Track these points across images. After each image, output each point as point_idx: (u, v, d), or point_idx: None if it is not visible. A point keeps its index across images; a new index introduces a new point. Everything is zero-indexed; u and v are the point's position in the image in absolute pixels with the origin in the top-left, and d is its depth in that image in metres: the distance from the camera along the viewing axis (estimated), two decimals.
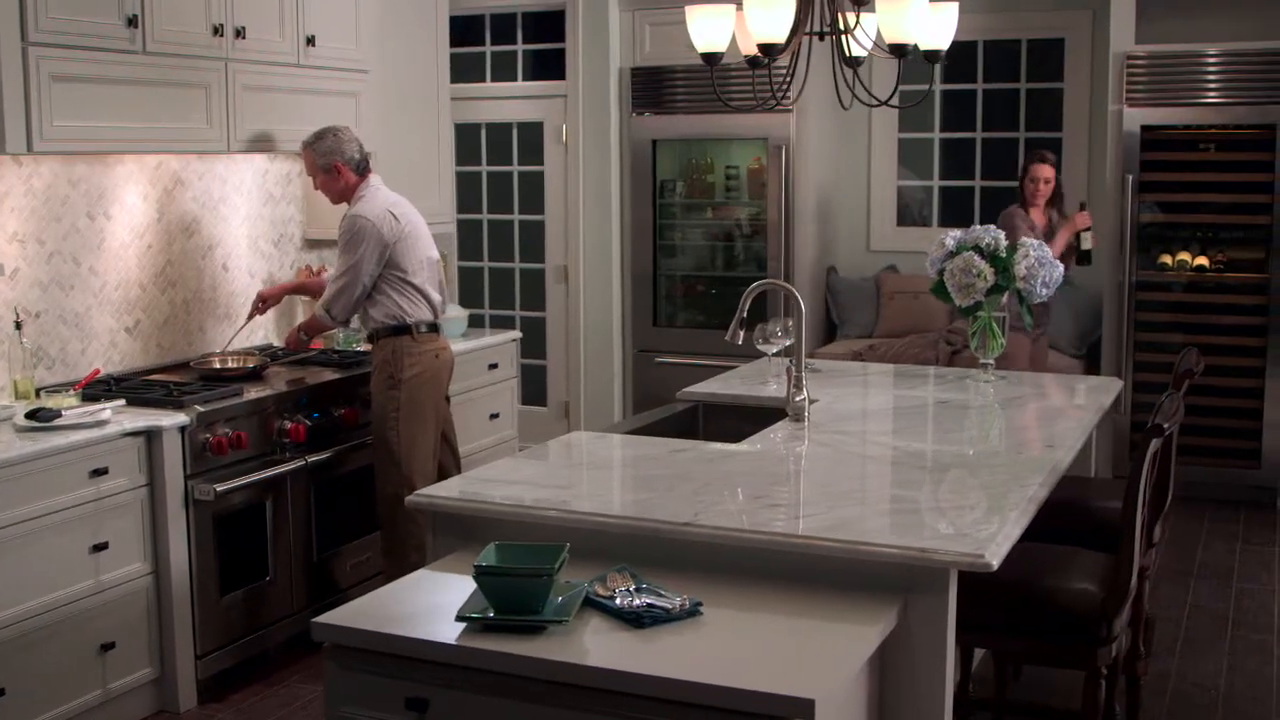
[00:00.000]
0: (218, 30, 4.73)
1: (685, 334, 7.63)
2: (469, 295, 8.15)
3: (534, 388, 8.04)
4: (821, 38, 4.03)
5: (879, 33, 3.98)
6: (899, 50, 3.86)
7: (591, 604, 2.75)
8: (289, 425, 4.72)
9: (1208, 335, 6.58)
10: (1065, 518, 3.94)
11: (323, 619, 2.73)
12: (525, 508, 3.14)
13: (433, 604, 2.79)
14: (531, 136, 7.91)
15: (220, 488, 4.39)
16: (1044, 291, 4.57)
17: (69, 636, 4.04)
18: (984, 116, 7.50)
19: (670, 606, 2.69)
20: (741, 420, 4.36)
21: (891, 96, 4.01)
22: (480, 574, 2.66)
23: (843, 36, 4.04)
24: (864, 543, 2.82)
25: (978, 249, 4.61)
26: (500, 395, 6.20)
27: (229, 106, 4.81)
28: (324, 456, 4.87)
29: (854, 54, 4.10)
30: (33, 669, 3.93)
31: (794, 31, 3.96)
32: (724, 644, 2.58)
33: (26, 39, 4.07)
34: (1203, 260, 6.66)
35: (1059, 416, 4.26)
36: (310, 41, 5.16)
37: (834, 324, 7.66)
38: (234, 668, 4.58)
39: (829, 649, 2.57)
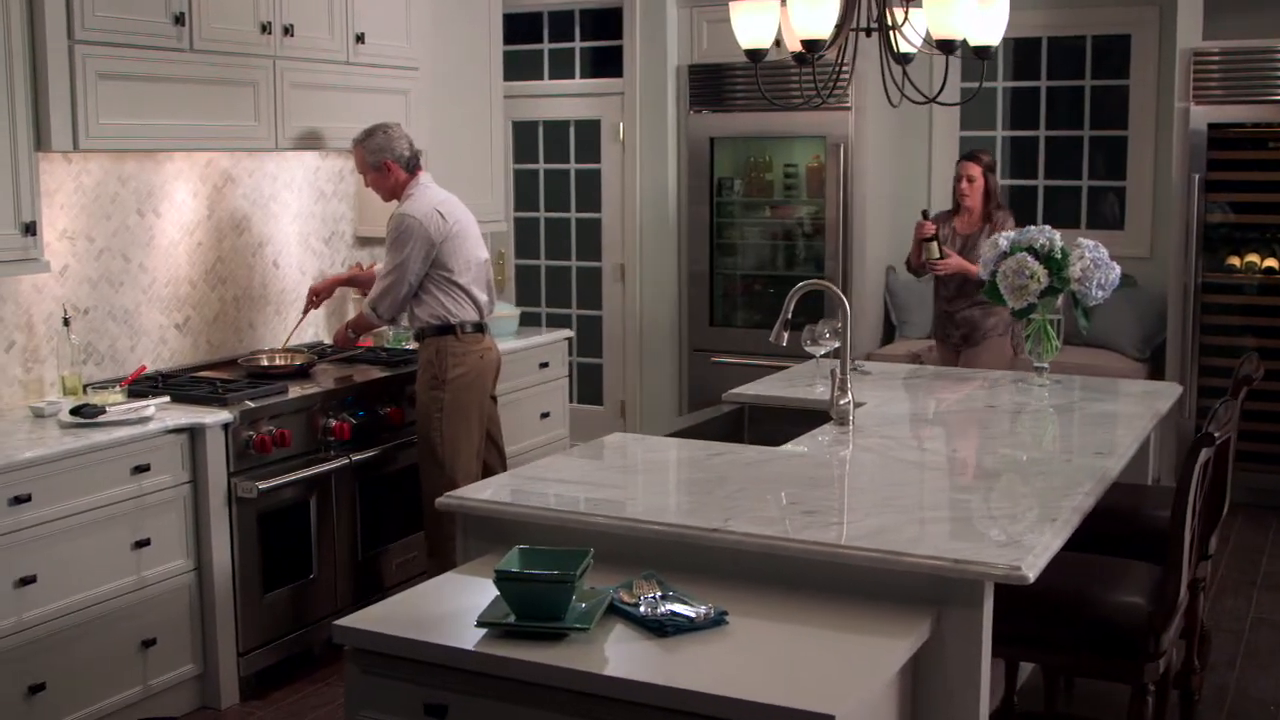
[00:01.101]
0: (265, 28, 4.73)
1: (742, 334, 7.55)
2: (526, 293, 8.14)
3: (590, 387, 8.01)
4: (869, 34, 3.95)
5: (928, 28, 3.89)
6: (947, 46, 3.77)
7: (616, 611, 2.70)
8: (334, 423, 4.71)
9: (1278, 339, 6.39)
10: (1118, 527, 3.84)
11: (343, 622, 2.71)
12: (554, 511, 3.10)
13: (456, 608, 2.75)
14: (588, 134, 7.87)
15: (263, 485, 4.39)
16: (1099, 294, 4.45)
17: (110, 632, 4.06)
18: (1048, 114, 7.35)
19: (694, 615, 2.63)
20: (788, 423, 4.28)
21: (940, 93, 3.91)
22: (501, 579, 2.62)
23: (890, 32, 3.96)
24: (895, 552, 2.75)
25: (1032, 250, 4.50)
26: (551, 394, 6.17)
27: (277, 104, 4.81)
28: (369, 455, 4.86)
29: (903, 50, 4.02)
30: (73, 664, 3.95)
31: (840, 27, 3.88)
32: (747, 655, 2.52)
33: (73, 37, 4.09)
34: (1272, 262, 6.47)
35: (1113, 422, 4.14)
36: (360, 39, 5.15)
37: (893, 325, 7.54)
38: (276, 665, 4.58)
39: (855, 662, 2.49)
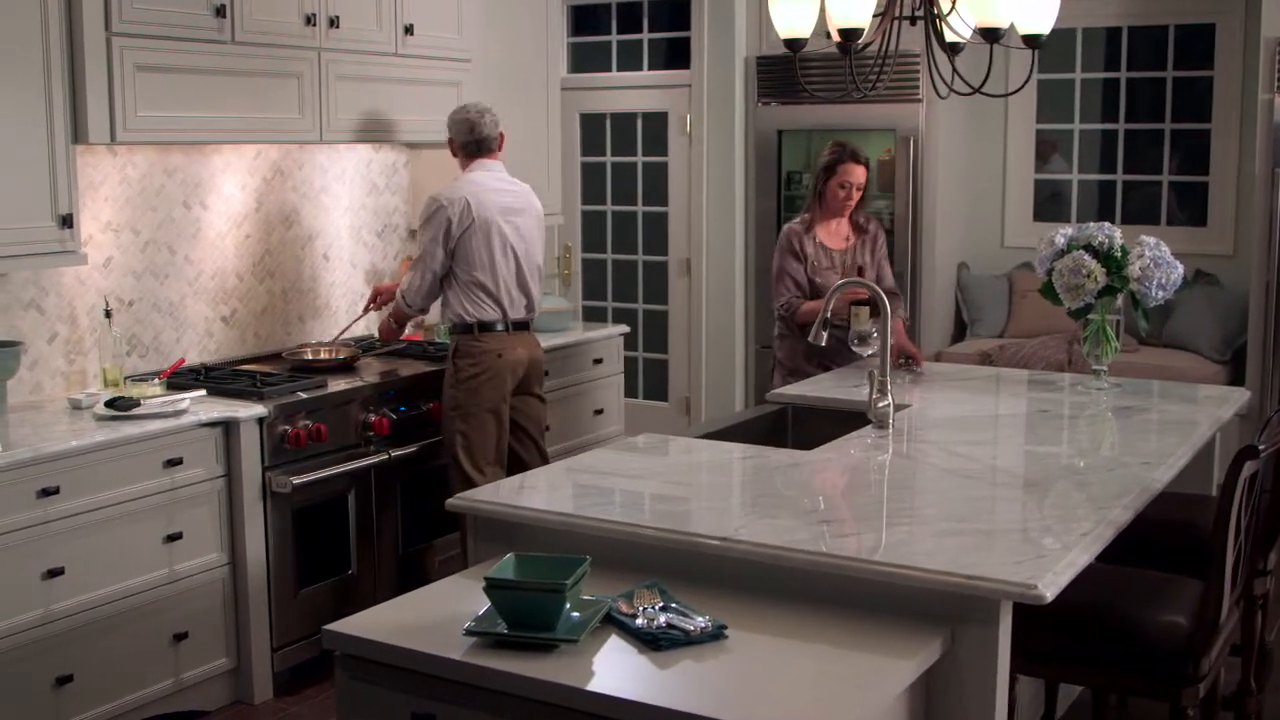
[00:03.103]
0: (310, 20, 4.69)
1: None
2: (592, 287, 8.06)
3: (655, 382, 7.91)
4: (913, 22, 3.80)
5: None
6: (991, 34, 3.61)
7: (613, 622, 2.61)
8: (373, 418, 4.67)
9: None
10: (1170, 540, 3.66)
11: (333, 626, 2.64)
12: (560, 515, 3.01)
13: (451, 615, 2.67)
14: (656, 127, 7.76)
15: (297, 480, 4.36)
16: (1160, 294, 4.26)
17: (140, 625, 4.05)
18: (1128, 107, 7.09)
19: (691, 629, 2.53)
20: (832, 424, 4.15)
21: (984, 83, 3.75)
22: (491, 587, 2.54)
23: (938, 21, 3.80)
24: (907, 567, 2.61)
25: (1089, 247, 4.31)
26: (605, 390, 6.08)
27: (322, 96, 4.77)
28: (409, 450, 4.81)
29: (950, 40, 3.87)
30: (103, 656, 3.95)
31: (884, 16, 3.75)
32: (741, 672, 2.41)
33: (110, 29, 4.08)
34: None
35: (1169, 429, 3.95)
36: (409, 30, 5.10)
37: (964, 323, 7.34)
38: (312, 661, 4.55)
39: (854, 682, 2.37)
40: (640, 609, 2.62)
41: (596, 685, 2.35)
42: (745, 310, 7.53)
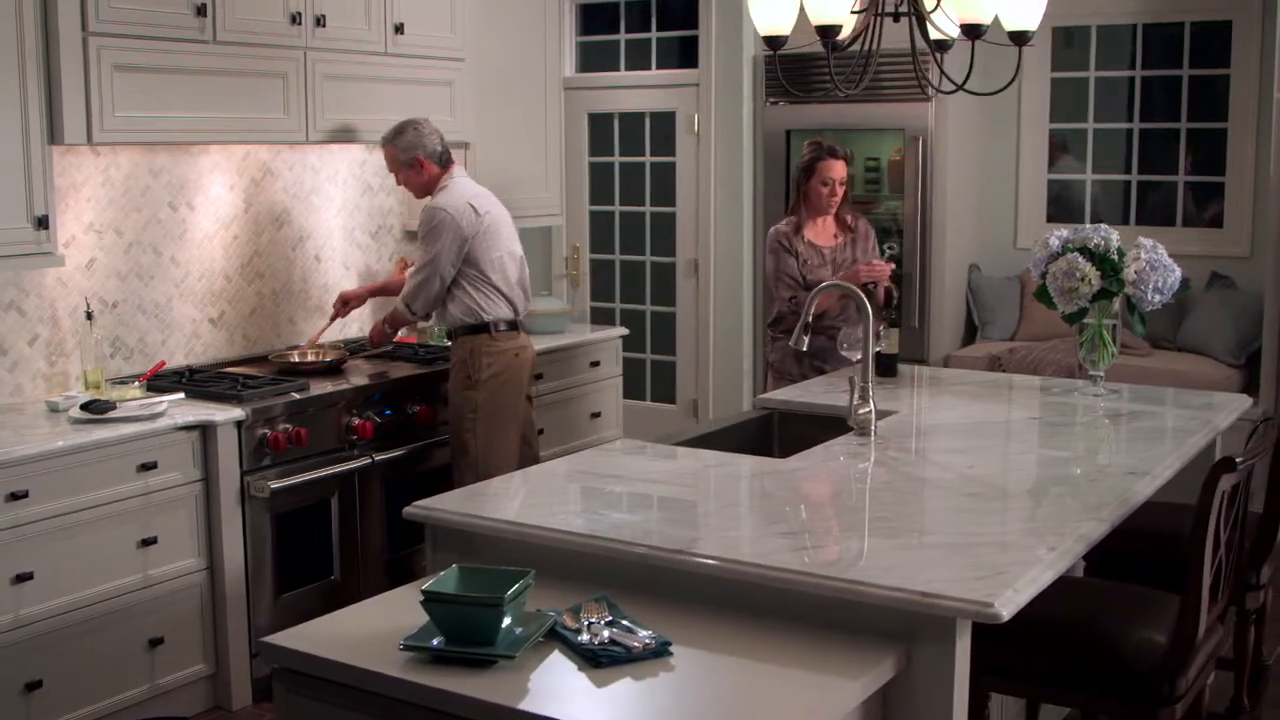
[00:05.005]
0: (295, 19, 4.64)
1: None
2: (599, 288, 7.98)
3: (663, 385, 7.82)
4: (896, 19, 3.70)
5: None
6: (973, 31, 3.51)
7: (557, 637, 2.53)
8: (356, 422, 4.62)
9: None
10: (1157, 552, 3.55)
11: (270, 639, 2.58)
12: (513, 525, 2.93)
13: (394, 628, 2.59)
14: (664, 126, 7.67)
15: (275, 484, 4.31)
16: (1156, 298, 4.14)
17: (113, 630, 4.01)
18: (1142, 105, 6.94)
19: (633, 645, 2.45)
20: (819, 429, 4.06)
21: (967, 80, 3.65)
22: (428, 600, 2.46)
23: (924, 17, 3.71)
24: (859, 582, 2.52)
25: (1085, 250, 4.20)
26: (603, 393, 6.01)
27: (308, 96, 4.72)
28: (396, 454, 4.75)
29: (937, 37, 3.77)
30: (74, 662, 3.91)
31: (866, 12, 3.65)
32: (679, 691, 2.33)
33: (87, 29, 4.04)
34: None
35: (1162, 437, 3.83)
36: (399, 29, 5.04)
37: (975, 325, 7.22)
38: None
39: (798, 703, 2.28)
40: (585, 623, 2.55)
41: (528, 704, 2.27)
42: (753, 312, 7.43)
